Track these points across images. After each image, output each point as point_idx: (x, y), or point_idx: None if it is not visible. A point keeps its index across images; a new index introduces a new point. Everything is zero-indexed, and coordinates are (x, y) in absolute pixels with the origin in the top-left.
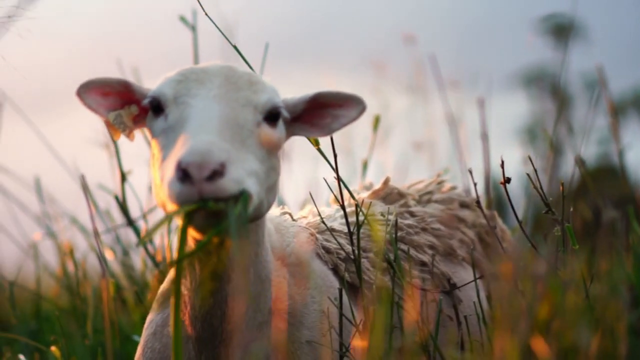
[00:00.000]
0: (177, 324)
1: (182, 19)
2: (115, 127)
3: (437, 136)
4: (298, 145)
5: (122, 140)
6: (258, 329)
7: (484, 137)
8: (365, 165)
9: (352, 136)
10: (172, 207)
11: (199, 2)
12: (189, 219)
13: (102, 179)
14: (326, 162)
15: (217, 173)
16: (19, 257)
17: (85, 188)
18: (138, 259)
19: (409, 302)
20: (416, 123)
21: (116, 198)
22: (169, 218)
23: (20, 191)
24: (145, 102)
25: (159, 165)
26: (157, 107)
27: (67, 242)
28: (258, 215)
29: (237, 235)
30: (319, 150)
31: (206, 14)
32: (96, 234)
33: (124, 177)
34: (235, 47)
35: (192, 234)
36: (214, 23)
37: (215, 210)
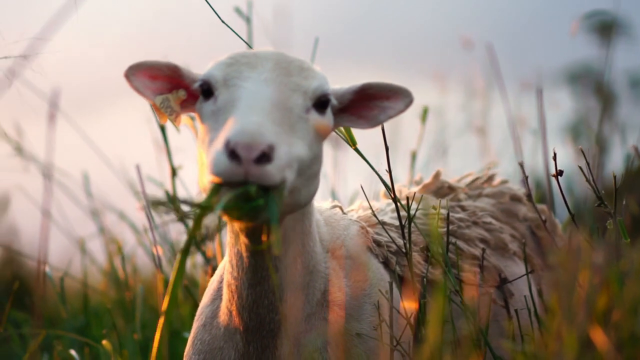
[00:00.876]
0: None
1: (237, 10)
2: (162, 111)
3: (488, 129)
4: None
5: (173, 135)
6: (306, 321)
7: (542, 130)
8: (414, 157)
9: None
10: (213, 179)
11: None
12: (221, 203)
13: (150, 176)
14: (377, 155)
15: (265, 156)
16: (68, 252)
17: (140, 179)
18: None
19: (467, 294)
20: (469, 116)
21: (167, 193)
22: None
23: (69, 187)
24: (196, 85)
25: (207, 148)
26: (207, 90)
27: (116, 238)
28: (297, 204)
29: (276, 224)
30: (357, 150)
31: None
32: (151, 228)
33: (174, 172)
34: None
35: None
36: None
37: (253, 199)
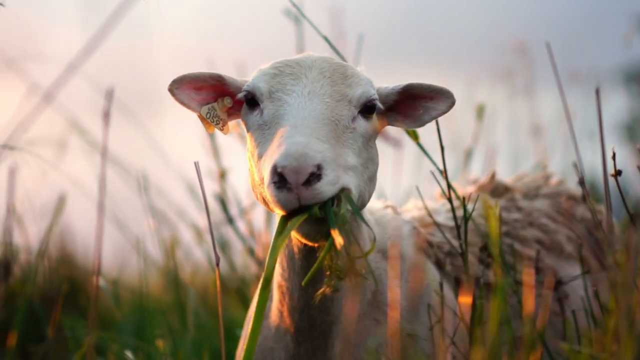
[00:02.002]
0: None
1: (293, 8)
2: (208, 121)
3: (544, 131)
4: (406, 138)
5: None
6: (358, 321)
7: (600, 130)
8: (469, 155)
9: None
10: (278, 211)
11: None
12: (292, 226)
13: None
14: (433, 155)
15: (314, 175)
16: (124, 252)
17: (199, 176)
18: (239, 255)
19: (525, 295)
20: (523, 118)
21: (218, 196)
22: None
23: (127, 186)
24: (240, 95)
25: (256, 162)
26: (251, 100)
27: (172, 237)
28: (361, 206)
29: (345, 233)
30: (419, 144)
31: None
32: (210, 230)
33: (223, 174)
34: (325, 39)
35: (298, 238)
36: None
37: (318, 216)
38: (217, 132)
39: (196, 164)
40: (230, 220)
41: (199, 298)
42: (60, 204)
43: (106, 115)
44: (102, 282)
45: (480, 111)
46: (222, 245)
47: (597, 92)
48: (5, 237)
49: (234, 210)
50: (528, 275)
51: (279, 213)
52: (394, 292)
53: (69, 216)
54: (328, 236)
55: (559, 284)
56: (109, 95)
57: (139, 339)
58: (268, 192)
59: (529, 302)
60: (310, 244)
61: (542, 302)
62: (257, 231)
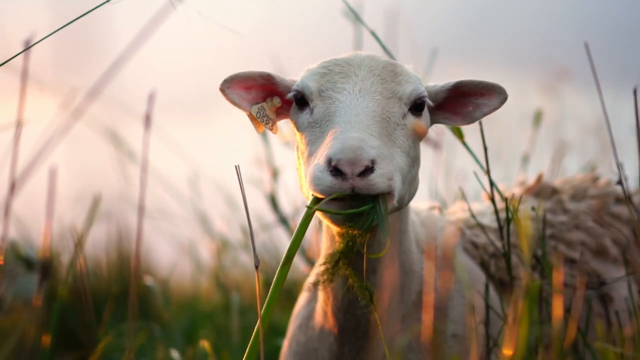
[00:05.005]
0: None
1: (346, 13)
2: (258, 120)
3: (587, 132)
4: (453, 138)
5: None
6: (402, 321)
7: (638, 130)
8: (525, 160)
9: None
10: (317, 195)
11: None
12: (325, 211)
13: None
14: (475, 154)
15: (368, 169)
16: (174, 255)
17: (239, 179)
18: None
19: (555, 298)
20: (568, 119)
21: (270, 197)
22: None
23: (175, 189)
24: (290, 95)
25: (306, 160)
26: (301, 99)
27: (220, 240)
28: (400, 207)
29: (385, 230)
30: (464, 143)
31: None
32: (250, 233)
33: (275, 174)
34: (373, 34)
35: (329, 225)
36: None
37: (362, 202)
38: (268, 132)
39: (237, 167)
40: (282, 220)
41: (247, 301)
42: (95, 204)
43: (147, 119)
44: (150, 281)
45: (537, 117)
46: (272, 247)
47: (635, 92)
48: (45, 241)
49: (286, 210)
50: (557, 279)
51: (317, 195)
52: (432, 292)
53: (129, 219)
54: (355, 222)
55: (600, 285)
56: (150, 99)
57: (187, 340)
58: (311, 173)
59: (557, 306)
60: (336, 227)
61: (574, 304)
62: (308, 231)
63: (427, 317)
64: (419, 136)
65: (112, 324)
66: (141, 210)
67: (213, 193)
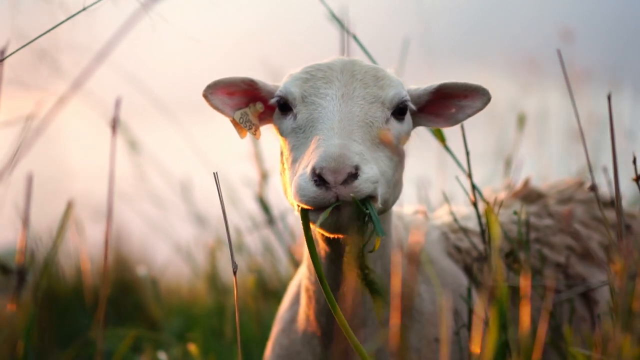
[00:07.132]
0: None
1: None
2: (241, 126)
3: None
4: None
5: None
6: (385, 325)
7: (611, 133)
8: (508, 163)
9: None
10: (302, 205)
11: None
12: (311, 220)
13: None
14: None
15: (352, 175)
16: (169, 256)
17: (217, 184)
18: (284, 256)
19: (523, 304)
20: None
21: (259, 199)
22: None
23: (171, 191)
24: (273, 101)
25: (290, 166)
26: (284, 105)
27: (214, 241)
28: (384, 209)
29: (380, 229)
30: (446, 147)
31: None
32: (228, 234)
33: (264, 176)
34: (355, 38)
35: (320, 233)
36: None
37: (356, 209)
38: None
39: (215, 175)
40: (270, 222)
41: (240, 301)
42: (68, 211)
43: (114, 123)
44: (144, 270)
45: (520, 121)
46: (265, 248)
47: (609, 97)
48: (22, 245)
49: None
50: (525, 286)
51: (303, 206)
52: (414, 296)
53: (125, 219)
54: (349, 230)
55: (584, 289)
56: (117, 103)
57: (180, 340)
58: (296, 184)
59: (524, 312)
60: (329, 234)
61: (543, 310)
62: (298, 233)
63: (404, 321)
64: (402, 140)
65: (110, 324)
66: (109, 214)
67: (210, 192)
